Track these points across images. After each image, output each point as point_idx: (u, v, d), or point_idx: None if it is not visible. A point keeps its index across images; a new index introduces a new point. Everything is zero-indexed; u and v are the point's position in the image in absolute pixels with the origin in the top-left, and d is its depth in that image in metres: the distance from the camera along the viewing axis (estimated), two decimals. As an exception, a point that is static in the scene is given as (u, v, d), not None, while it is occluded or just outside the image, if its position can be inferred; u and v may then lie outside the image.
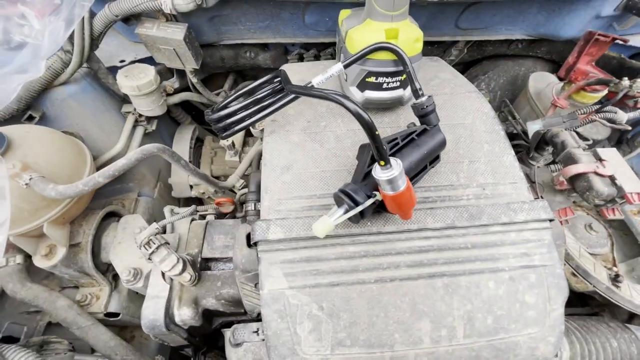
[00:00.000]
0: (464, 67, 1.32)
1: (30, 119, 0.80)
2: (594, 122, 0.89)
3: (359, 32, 0.60)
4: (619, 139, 1.08)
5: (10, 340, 0.79)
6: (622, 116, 0.89)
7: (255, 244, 0.58)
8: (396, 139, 0.56)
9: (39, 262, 0.74)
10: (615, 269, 1.04)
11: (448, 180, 0.64)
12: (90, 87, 0.88)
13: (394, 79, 0.63)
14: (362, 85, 0.64)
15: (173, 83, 0.97)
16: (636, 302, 0.84)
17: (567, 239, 1.00)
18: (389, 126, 0.70)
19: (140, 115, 0.98)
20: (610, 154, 0.72)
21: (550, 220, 0.61)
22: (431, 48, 1.10)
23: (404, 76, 0.63)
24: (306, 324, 0.53)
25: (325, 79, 0.59)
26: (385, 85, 0.64)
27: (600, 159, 0.71)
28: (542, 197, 0.80)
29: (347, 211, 0.51)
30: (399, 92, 0.65)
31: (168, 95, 0.97)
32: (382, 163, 0.45)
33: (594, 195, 0.69)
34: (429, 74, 0.80)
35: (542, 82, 1.12)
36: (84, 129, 0.90)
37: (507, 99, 1.28)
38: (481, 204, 0.61)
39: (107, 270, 0.91)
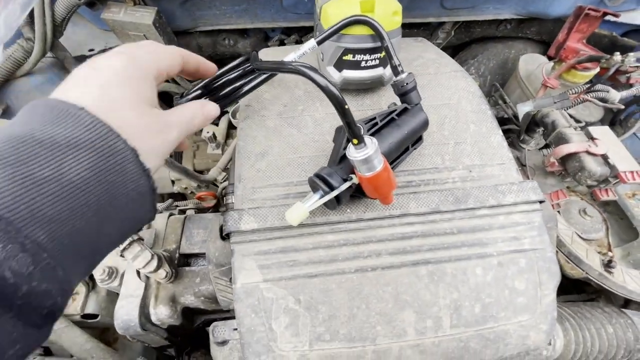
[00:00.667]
0: (452, 52, 1.29)
1: (-7, 112, 0.75)
2: (586, 101, 0.86)
3: (333, 6, 0.56)
4: (612, 121, 1.05)
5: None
6: (615, 95, 0.86)
7: (228, 235, 0.55)
8: (374, 118, 0.52)
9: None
10: (610, 253, 1.01)
11: (432, 163, 0.60)
12: (58, 78, 0.83)
13: (373, 56, 0.59)
14: (339, 64, 0.61)
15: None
16: (629, 287, 0.82)
17: (560, 225, 0.97)
18: (370, 108, 0.66)
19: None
20: (602, 132, 0.69)
21: (541, 202, 0.58)
22: (417, 31, 1.06)
23: (384, 53, 0.59)
24: (282, 319, 0.50)
25: (297, 56, 0.55)
26: (363, 64, 0.60)
27: (592, 138, 0.68)
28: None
29: (322, 196, 0.47)
30: (378, 71, 0.61)
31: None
32: (355, 141, 0.42)
33: (586, 176, 0.66)
34: (412, 54, 0.76)
35: (532, 63, 1.08)
36: (54, 122, 0.85)
37: (498, 82, 1.25)
38: (467, 187, 0.57)
39: (84, 270, 0.87)
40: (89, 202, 0.26)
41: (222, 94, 0.53)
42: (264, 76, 0.60)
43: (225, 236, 0.56)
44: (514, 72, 1.14)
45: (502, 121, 1.19)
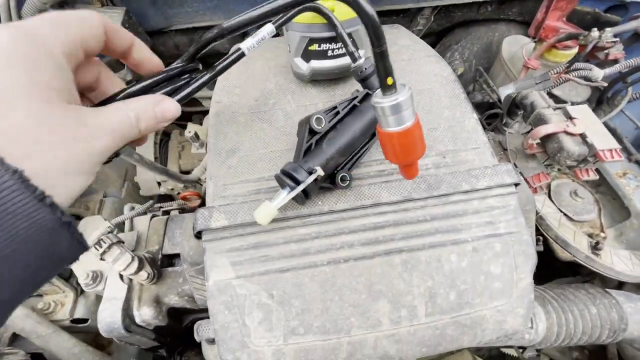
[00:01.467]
0: (436, 38, 1.27)
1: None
2: (568, 81, 0.84)
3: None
4: (599, 99, 1.03)
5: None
6: (598, 73, 0.84)
7: (200, 234, 0.54)
8: (335, 107, 0.51)
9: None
10: (602, 234, 1.00)
11: (405, 150, 0.59)
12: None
13: (338, 45, 0.58)
14: (306, 55, 0.60)
15: (125, 75, 0.92)
16: (617, 268, 0.81)
17: (548, 208, 0.96)
18: (340, 98, 0.65)
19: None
20: (581, 111, 0.67)
21: (516, 185, 0.57)
22: (396, 18, 1.04)
23: (350, 40, 0.58)
24: (255, 314, 0.50)
25: (256, 42, 0.52)
26: (330, 53, 0.59)
27: (570, 118, 0.66)
28: (514, 164, 0.76)
29: (289, 192, 0.46)
30: (346, 60, 0.60)
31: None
32: (390, 81, 0.33)
33: (565, 156, 0.64)
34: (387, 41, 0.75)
35: (515, 45, 1.07)
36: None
37: (484, 66, 1.23)
38: (440, 173, 0.57)
39: (71, 276, 0.87)
40: None
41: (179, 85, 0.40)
42: (204, 79, 0.53)
43: (197, 235, 0.56)
44: (498, 55, 1.13)
45: (488, 105, 1.18)
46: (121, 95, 0.33)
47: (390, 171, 0.57)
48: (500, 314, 0.51)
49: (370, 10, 0.30)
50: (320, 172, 0.46)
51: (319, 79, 0.65)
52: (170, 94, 0.40)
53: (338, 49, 0.58)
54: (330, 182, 0.52)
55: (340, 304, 0.50)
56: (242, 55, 0.43)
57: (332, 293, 0.51)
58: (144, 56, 0.36)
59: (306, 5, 0.50)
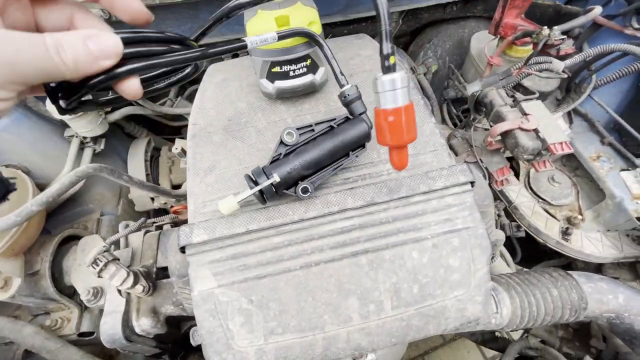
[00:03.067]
0: (410, 38, 1.31)
1: (-34, 158, 0.80)
2: (529, 75, 0.88)
3: (252, 25, 0.59)
4: (567, 88, 1.07)
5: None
6: (558, 65, 0.88)
7: (184, 249, 0.59)
8: (311, 125, 0.56)
9: (-4, 295, 0.76)
10: (580, 217, 1.05)
11: (368, 158, 0.64)
12: (24, 117, 0.88)
13: (299, 65, 0.62)
14: (271, 76, 0.64)
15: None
16: (586, 251, 0.86)
17: (522, 197, 1.01)
18: (308, 112, 0.70)
19: (85, 137, 0.99)
20: (534, 106, 0.71)
21: (472, 183, 0.61)
22: (365, 24, 1.08)
23: (309, 60, 0.63)
24: (237, 319, 0.55)
25: (260, 40, 0.50)
26: (292, 73, 0.63)
27: (525, 114, 0.71)
28: (480, 160, 0.80)
29: (249, 191, 0.52)
30: (308, 78, 0.65)
31: (107, 112, 0.97)
32: (392, 60, 0.38)
33: (521, 151, 0.69)
34: (350, 52, 0.79)
35: (483, 41, 1.10)
36: (28, 160, 0.90)
37: (457, 62, 1.27)
38: (400, 177, 0.61)
39: (75, 293, 0.93)
40: None
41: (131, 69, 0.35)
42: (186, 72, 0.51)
43: (182, 249, 0.61)
44: (469, 52, 1.17)
45: (464, 100, 1.22)
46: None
47: (355, 178, 0.62)
48: (460, 302, 0.56)
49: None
50: (276, 178, 0.51)
51: (286, 96, 0.70)
52: (149, 55, 0.35)
53: (299, 69, 0.63)
54: (294, 182, 0.57)
55: (313, 303, 0.55)
56: (244, 47, 0.45)
57: (306, 294, 0.56)
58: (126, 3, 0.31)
59: (300, 31, 0.54)
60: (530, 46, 0.89)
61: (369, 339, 0.55)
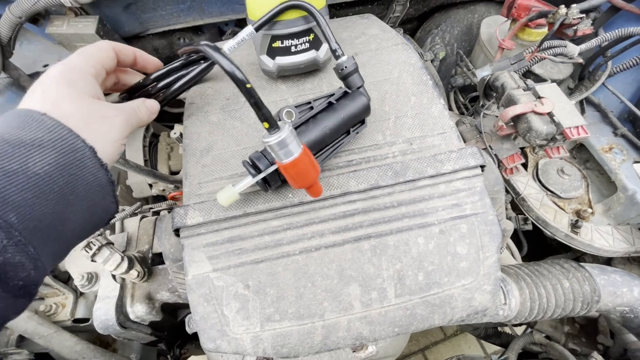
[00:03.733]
0: (417, 24, 1.26)
1: (-42, 137, 0.78)
2: (542, 60, 0.84)
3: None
4: (581, 75, 1.03)
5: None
6: (573, 49, 0.84)
7: (178, 231, 0.57)
8: (309, 102, 0.53)
9: (-13, 278, 0.74)
10: (590, 210, 1.02)
11: (373, 140, 0.61)
12: (17, 97, 0.85)
13: (301, 40, 0.59)
14: (271, 52, 0.61)
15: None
16: (596, 245, 0.82)
17: (531, 189, 0.97)
18: (311, 92, 0.66)
19: (81, 120, 0.96)
20: (549, 90, 0.68)
21: (482, 167, 0.58)
22: (371, 7, 1.04)
23: (312, 35, 0.59)
24: (233, 304, 0.52)
25: (236, 43, 0.55)
26: (294, 49, 0.60)
27: (539, 97, 0.67)
28: (490, 147, 0.77)
29: (251, 179, 0.49)
30: (311, 54, 0.61)
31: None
32: (266, 125, 0.42)
33: (534, 136, 0.65)
34: (355, 32, 0.76)
35: (494, 26, 1.06)
36: (22, 140, 0.88)
37: (466, 49, 1.23)
38: (407, 160, 0.58)
39: (70, 279, 0.91)
40: (52, 190, 0.32)
41: (162, 86, 0.56)
42: (202, 67, 0.61)
43: (176, 232, 0.58)
44: (478, 37, 1.12)
45: (472, 88, 1.18)
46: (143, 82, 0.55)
47: (359, 161, 0.59)
48: (468, 291, 0.53)
49: (230, 67, 0.38)
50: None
51: (287, 75, 0.66)
52: (173, 82, 0.58)
53: (301, 44, 0.60)
54: None
55: (313, 290, 0.53)
56: (213, 64, 0.45)
57: (305, 280, 0.53)
58: (146, 60, 0.55)
59: (293, 4, 0.51)
60: (545, 29, 0.85)
61: (371, 327, 0.53)
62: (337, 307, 0.52)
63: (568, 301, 0.62)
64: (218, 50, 0.41)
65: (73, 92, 0.38)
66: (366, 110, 0.55)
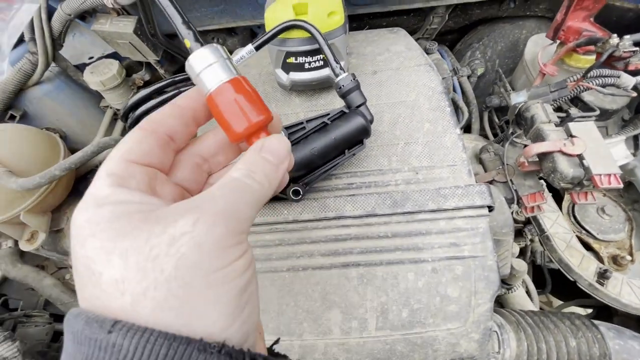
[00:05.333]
0: (457, 36, 1.20)
1: (12, 118, 0.88)
2: (587, 90, 0.76)
3: (270, 11, 0.57)
4: (638, 108, 0.92)
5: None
6: (628, 80, 0.75)
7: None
8: (302, 123, 0.52)
9: (23, 246, 0.83)
10: (629, 257, 0.92)
11: (378, 164, 0.59)
12: (65, 85, 0.94)
13: (315, 58, 0.59)
14: (285, 67, 0.61)
15: (142, 76, 1.00)
16: (623, 300, 0.74)
17: (559, 227, 0.90)
18: (323, 108, 0.66)
19: (119, 109, 1.03)
20: (584, 128, 0.61)
21: (490, 208, 0.54)
22: (407, 17, 1.00)
23: (327, 54, 0.59)
24: (218, 310, 0.54)
25: (236, 60, 0.57)
26: (307, 66, 0.60)
27: (571, 135, 0.61)
28: (511, 181, 0.71)
29: None
30: (324, 72, 0.61)
31: (139, 87, 1.01)
32: (188, 43, 0.27)
33: (559, 178, 0.60)
34: (380, 47, 0.74)
35: (541, 45, 0.98)
36: (66, 125, 0.97)
37: (509, 67, 1.14)
38: (409, 190, 0.56)
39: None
40: None
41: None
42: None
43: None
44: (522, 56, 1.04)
45: (506, 111, 1.10)
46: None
47: (359, 185, 0.58)
48: (453, 336, 0.51)
49: None
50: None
51: (298, 90, 0.67)
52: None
53: (315, 62, 0.59)
54: (285, 192, 0.54)
55: (295, 309, 0.53)
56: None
57: (289, 298, 0.54)
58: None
59: (293, 24, 0.51)
60: (594, 56, 0.76)
61: (347, 355, 0.52)
62: (315, 330, 0.52)
63: (572, 362, 0.57)
64: None
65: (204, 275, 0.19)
66: (362, 131, 0.53)
